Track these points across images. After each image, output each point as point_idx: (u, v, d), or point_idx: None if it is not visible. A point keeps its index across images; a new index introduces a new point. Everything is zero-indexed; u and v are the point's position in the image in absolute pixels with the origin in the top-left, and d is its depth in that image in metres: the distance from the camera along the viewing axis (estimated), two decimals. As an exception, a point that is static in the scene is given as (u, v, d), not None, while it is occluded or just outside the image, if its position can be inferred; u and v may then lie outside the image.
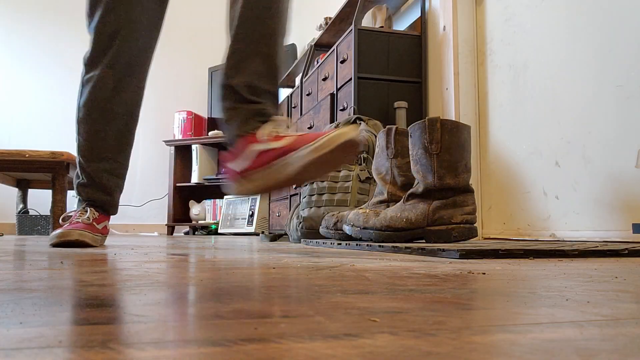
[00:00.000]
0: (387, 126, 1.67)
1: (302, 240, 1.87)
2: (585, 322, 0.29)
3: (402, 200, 1.46)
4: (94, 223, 1.28)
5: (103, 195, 1.32)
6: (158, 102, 4.54)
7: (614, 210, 1.52)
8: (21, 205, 3.64)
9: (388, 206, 1.59)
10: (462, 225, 1.36)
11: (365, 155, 1.93)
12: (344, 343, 0.23)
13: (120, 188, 1.34)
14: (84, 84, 1.26)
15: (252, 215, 3.58)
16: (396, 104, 2.14)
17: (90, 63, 1.25)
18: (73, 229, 1.22)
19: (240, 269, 0.63)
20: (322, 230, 1.72)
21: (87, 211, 1.29)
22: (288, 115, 3.17)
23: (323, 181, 1.93)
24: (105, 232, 1.34)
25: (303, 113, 2.81)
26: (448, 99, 2.19)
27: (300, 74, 3.10)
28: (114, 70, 1.23)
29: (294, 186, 2.63)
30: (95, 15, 1.21)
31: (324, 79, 2.51)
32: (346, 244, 1.36)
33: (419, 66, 2.31)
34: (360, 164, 1.92)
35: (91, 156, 1.27)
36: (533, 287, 0.45)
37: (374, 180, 1.84)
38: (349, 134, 0.87)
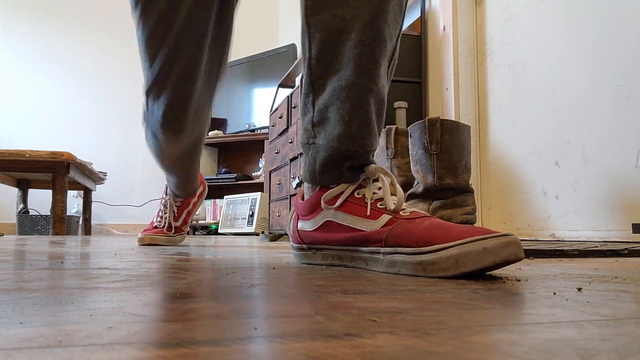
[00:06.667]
0: (387, 126, 1.67)
1: (302, 240, 1.87)
2: (585, 322, 0.29)
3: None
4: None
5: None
6: (158, 102, 4.52)
7: (614, 210, 1.52)
8: (21, 205, 3.64)
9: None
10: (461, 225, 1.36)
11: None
12: (344, 343, 0.23)
13: None
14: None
15: (252, 215, 3.58)
16: (396, 104, 2.14)
17: None
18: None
19: (241, 269, 0.63)
20: (322, 230, 1.71)
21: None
22: (288, 116, 3.15)
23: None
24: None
25: (303, 113, 2.80)
26: (448, 99, 2.19)
27: (301, 74, 3.09)
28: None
29: (293, 186, 2.62)
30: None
31: (324, 79, 2.51)
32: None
33: (419, 66, 2.31)
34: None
35: None
36: (533, 287, 0.45)
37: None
38: (513, 249, 0.51)
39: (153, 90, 0.91)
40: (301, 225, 0.72)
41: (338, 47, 0.66)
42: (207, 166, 4.33)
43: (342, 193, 0.67)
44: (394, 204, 0.62)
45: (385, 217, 0.61)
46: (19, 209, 3.62)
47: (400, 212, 0.61)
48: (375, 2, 0.65)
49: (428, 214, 0.62)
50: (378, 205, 0.63)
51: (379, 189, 0.66)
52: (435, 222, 0.58)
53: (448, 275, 0.52)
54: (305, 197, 0.73)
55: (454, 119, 1.73)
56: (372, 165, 0.68)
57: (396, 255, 0.58)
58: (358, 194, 0.66)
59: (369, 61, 0.66)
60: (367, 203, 0.64)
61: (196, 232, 4.25)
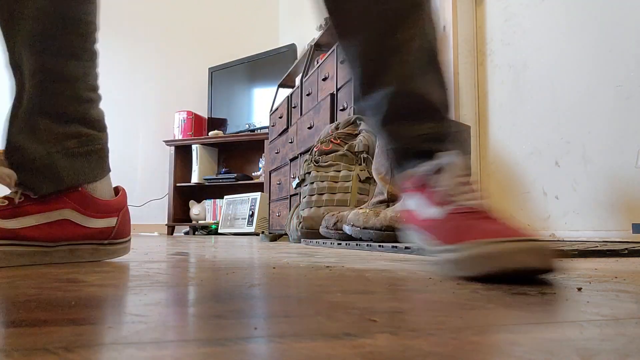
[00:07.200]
0: (387, 126, 1.67)
1: (302, 240, 1.87)
2: (585, 322, 0.29)
3: (402, 200, 1.46)
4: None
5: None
6: (158, 102, 4.53)
7: (614, 210, 1.52)
8: (21, 205, 3.63)
9: (388, 206, 1.59)
10: (462, 225, 1.36)
11: (365, 156, 1.93)
12: (344, 343, 0.23)
13: None
14: None
15: (252, 215, 3.58)
16: (396, 104, 2.14)
17: None
18: None
19: (241, 269, 0.63)
20: (322, 230, 1.72)
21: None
22: (288, 116, 3.15)
23: (323, 181, 1.93)
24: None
25: (303, 113, 2.81)
26: (448, 99, 2.19)
27: (300, 74, 3.10)
28: None
29: (293, 186, 2.62)
30: None
31: (324, 79, 2.51)
32: (346, 244, 1.36)
33: (419, 66, 2.30)
34: (360, 164, 1.92)
35: None
36: (533, 287, 0.45)
37: (374, 180, 1.84)
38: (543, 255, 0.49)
39: None
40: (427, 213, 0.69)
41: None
42: (207, 166, 4.33)
43: (421, 177, 0.68)
44: (452, 194, 0.62)
45: (445, 209, 0.61)
46: (19, 209, 3.62)
47: (459, 205, 0.60)
48: (373, 25, 0.71)
49: (487, 210, 0.60)
50: (445, 195, 0.63)
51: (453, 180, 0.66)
52: (487, 217, 0.57)
53: (475, 276, 0.50)
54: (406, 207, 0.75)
55: (454, 119, 1.73)
56: (450, 155, 0.68)
57: (443, 253, 0.58)
58: (434, 182, 0.66)
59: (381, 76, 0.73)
60: (436, 192, 0.65)
61: (196, 232, 4.25)
